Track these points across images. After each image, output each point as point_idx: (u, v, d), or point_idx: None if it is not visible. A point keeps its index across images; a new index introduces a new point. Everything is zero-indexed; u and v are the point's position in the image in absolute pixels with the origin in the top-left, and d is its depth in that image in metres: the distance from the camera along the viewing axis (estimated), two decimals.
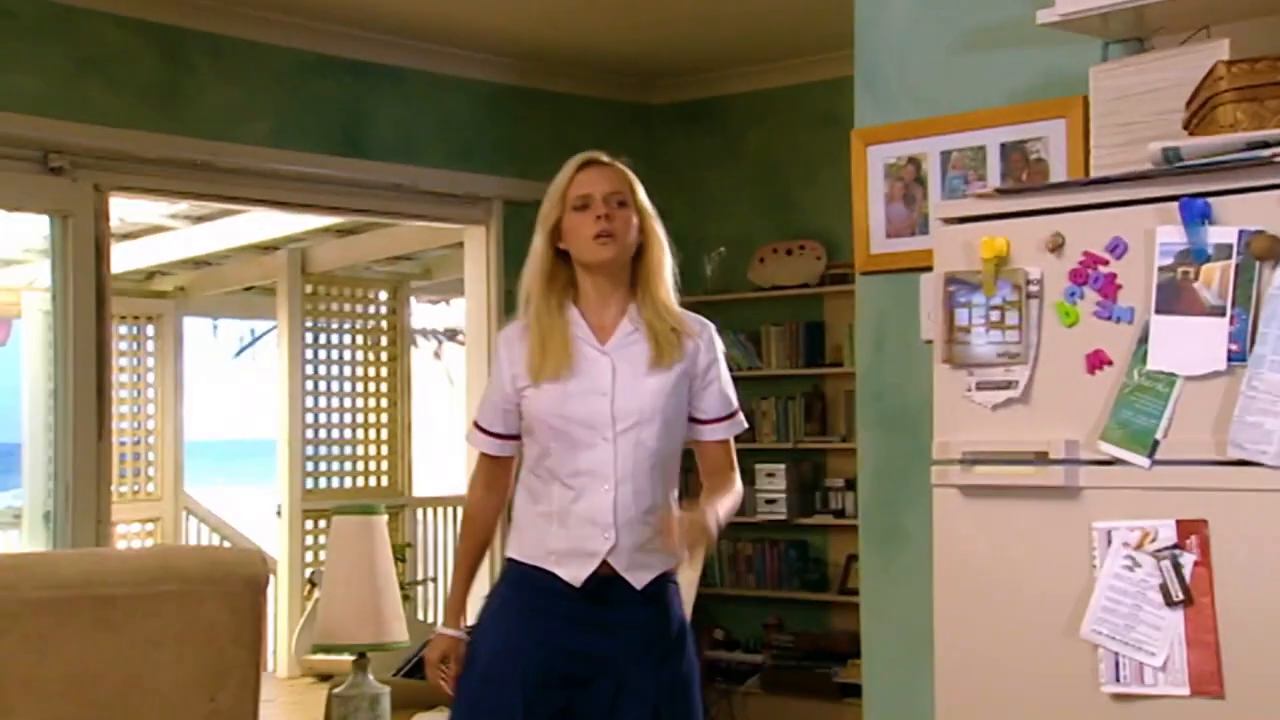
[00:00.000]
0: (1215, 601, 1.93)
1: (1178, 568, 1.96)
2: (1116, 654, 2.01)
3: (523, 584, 2.50)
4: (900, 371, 2.92)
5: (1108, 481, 2.04)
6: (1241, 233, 1.92)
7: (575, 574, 2.44)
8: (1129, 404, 2.02)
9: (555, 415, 2.45)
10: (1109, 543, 2.01)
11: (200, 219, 7.24)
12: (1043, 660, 2.08)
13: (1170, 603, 1.96)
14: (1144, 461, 2.00)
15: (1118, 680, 2.01)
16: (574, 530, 2.45)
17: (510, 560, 2.53)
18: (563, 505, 2.46)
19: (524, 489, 2.55)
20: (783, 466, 5.80)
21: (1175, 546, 1.96)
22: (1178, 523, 1.96)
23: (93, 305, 4.73)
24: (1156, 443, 1.99)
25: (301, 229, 7.07)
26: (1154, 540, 1.98)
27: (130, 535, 7.73)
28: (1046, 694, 2.08)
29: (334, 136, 5.43)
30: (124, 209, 6.68)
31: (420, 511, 7.47)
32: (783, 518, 5.79)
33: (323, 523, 7.01)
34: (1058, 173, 2.68)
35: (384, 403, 7.44)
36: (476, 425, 2.59)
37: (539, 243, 2.57)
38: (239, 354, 10.13)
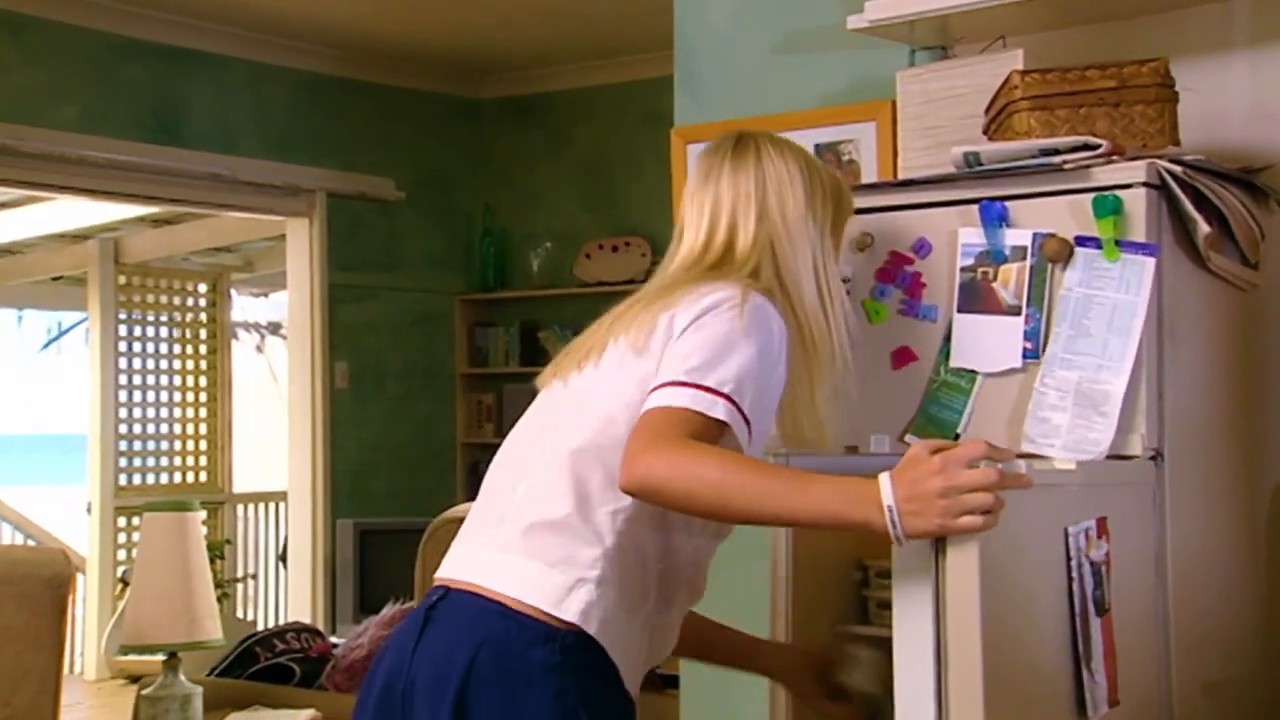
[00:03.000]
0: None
1: (1106, 571, 1.72)
2: (1093, 677, 1.72)
3: (612, 688, 1.73)
4: None
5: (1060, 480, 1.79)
6: (1035, 235, 2.00)
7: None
8: (935, 400, 2.09)
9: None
10: (1077, 548, 1.69)
11: (2, 205, 6.95)
12: (1034, 690, 1.69)
13: (1100, 612, 1.72)
14: None
15: (1095, 711, 1.71)
16: (655, 649, 1.81)
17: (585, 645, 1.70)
18: (659, 607, 1.78)
19: (638, 558, 1.73)
20: None
21: (1106, 550, 1.73)
22: (1097, 521, 1.72)
23: None
24: (958, 436, 2.06)
25: (114, 218, 6.84)
26: (1096, 546, 1.71)
27: None
28: None
29: (146, 123, 5.27)
30: None
31: (240, 508, 7.31)
32: None
33: (136, 520, 6.80)
34: (869, 174, 2.75)
35: (203, 397, 7.25)
36: (733, 400, 1.66)
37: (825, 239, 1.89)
38: (46, 346, 9.74)
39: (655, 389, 1.68)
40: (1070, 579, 1.69)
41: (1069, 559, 1.69)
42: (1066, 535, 1.69)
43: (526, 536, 1.72)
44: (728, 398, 1.65)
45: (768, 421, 1.76)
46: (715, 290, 1.76)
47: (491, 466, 1.88)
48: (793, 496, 1.59)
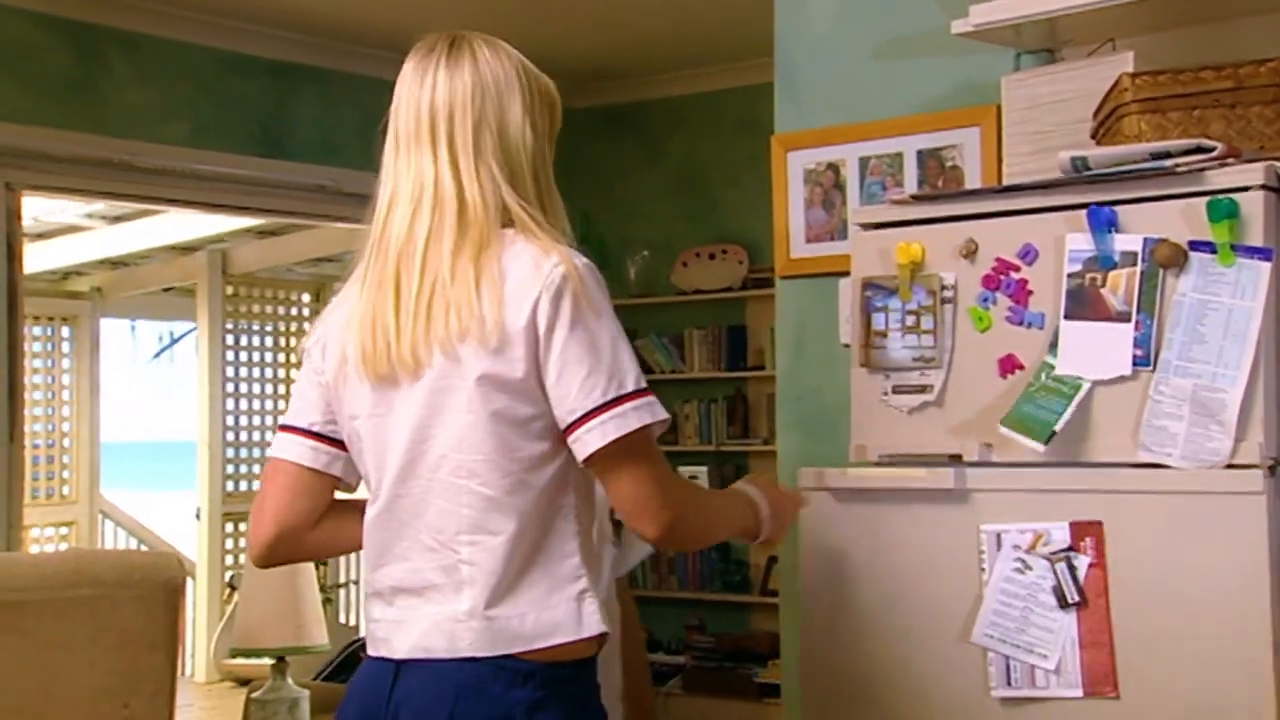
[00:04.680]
0: (1110, 602, 1.93)
1: (1072, 569, 1.96)
2: (1007, 657, 2.00)
3: (596, 713, 1.75)
4: (819, 374, 2.95)
5: (1004, 484, 2.04)
6: (1146, 240, 1.96)
7: None
8: (1032, 400, 2.05)
9: None
10: (999, 546, 2.02)
11: (118, 219, 7.14)
12: (930, 665, 2.07)
13: (1064, 605, 1.95)
14: (1039, 447, 2.00)
15: (1009, 684, 2.00)
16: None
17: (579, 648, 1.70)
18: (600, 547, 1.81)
19: (600, 536, 1.79)
20: (705, 469, 5.81)
21: (1069, 549, 1.97)
22: (1071, 524, 1.96)
23: (4, 306, 4.63)
24: (1054, 433, 2.02)
25: (222, 230, 7.00)
26: (1046, 543, 1.98)
27: (44, 539, 7.60)
28: (933, 699, 2.07)
29: (254, 137, 5.38)
30: (38, 208, 6.57)
31: None
32: None
33: (243, 525, 6.94)
34: (972, 180, 2.72)
35: None
36: (641, 385, 1.68)
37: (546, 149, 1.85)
38: (157, 356, 9.98)
39: (585, 420, 1.62)
40: (982, 569, 2.03)
41: (981, 552, 2.03)
42: (979, 533, 2.03)
43: (501, 593, 1.65)
44: (641, 391, 1.66)
45: None
46: (529, 266, 1.70)
47: (390, 503, 1.76)
48: (733, 516, 1.86)
